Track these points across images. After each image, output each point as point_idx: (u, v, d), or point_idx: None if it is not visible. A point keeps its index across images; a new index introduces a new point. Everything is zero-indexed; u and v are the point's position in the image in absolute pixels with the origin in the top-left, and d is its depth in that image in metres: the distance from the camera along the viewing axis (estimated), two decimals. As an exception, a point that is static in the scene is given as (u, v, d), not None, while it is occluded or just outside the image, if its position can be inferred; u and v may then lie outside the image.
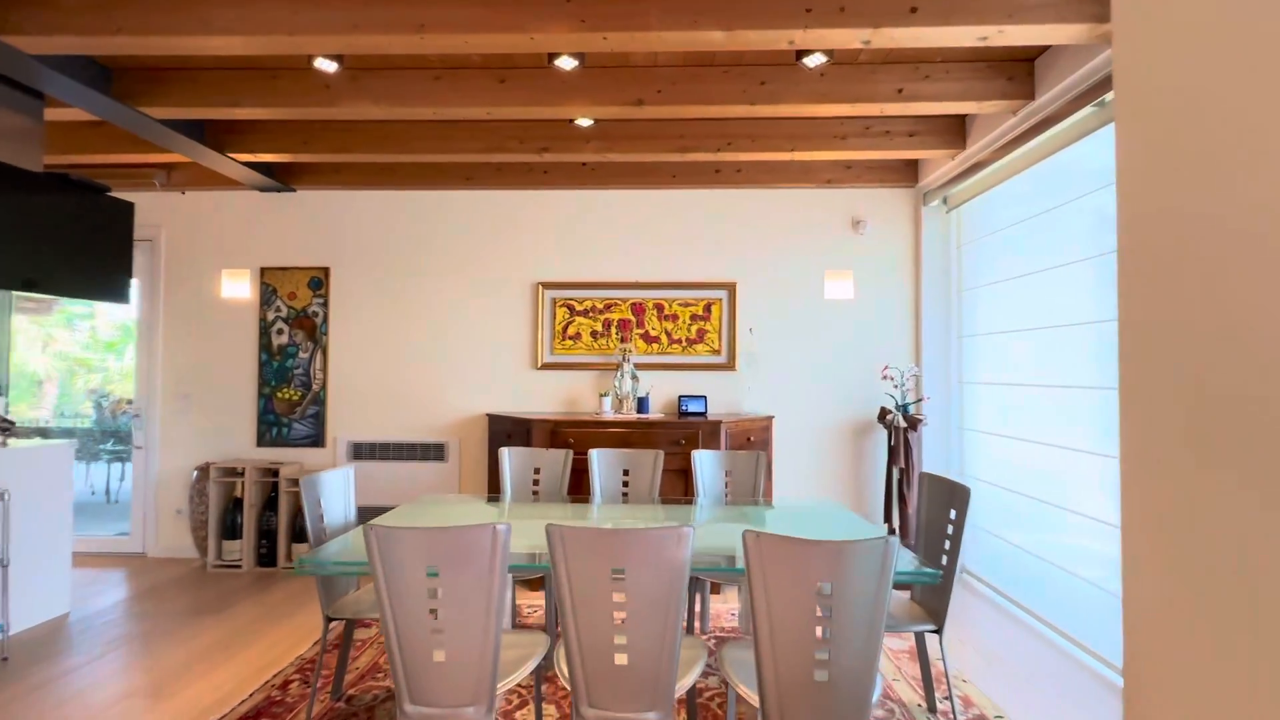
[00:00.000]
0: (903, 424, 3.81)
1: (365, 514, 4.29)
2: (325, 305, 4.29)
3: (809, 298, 4.21)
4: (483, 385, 4.24)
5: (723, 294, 4.20)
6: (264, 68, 3.01)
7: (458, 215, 4.29)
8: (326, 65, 2.69)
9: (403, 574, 1.65)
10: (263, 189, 4.27)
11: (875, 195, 4.21)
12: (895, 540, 1.59)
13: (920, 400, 4.06)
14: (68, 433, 5.86)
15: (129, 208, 3.32)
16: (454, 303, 4.27)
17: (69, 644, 2.93)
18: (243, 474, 4.04)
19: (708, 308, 4.20)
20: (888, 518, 3.92)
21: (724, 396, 4.20)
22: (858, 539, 1.56)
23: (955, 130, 3.57)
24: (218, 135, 3.60)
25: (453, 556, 1.64)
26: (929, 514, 2.36)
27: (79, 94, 2.86)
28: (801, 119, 3.55)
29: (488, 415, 4.10)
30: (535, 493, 3.20)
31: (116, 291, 3.29)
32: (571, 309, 4.22)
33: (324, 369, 4.28)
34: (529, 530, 2.36)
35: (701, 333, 4.20)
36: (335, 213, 4.33)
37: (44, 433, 5.48)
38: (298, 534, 4.07)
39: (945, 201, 4.05)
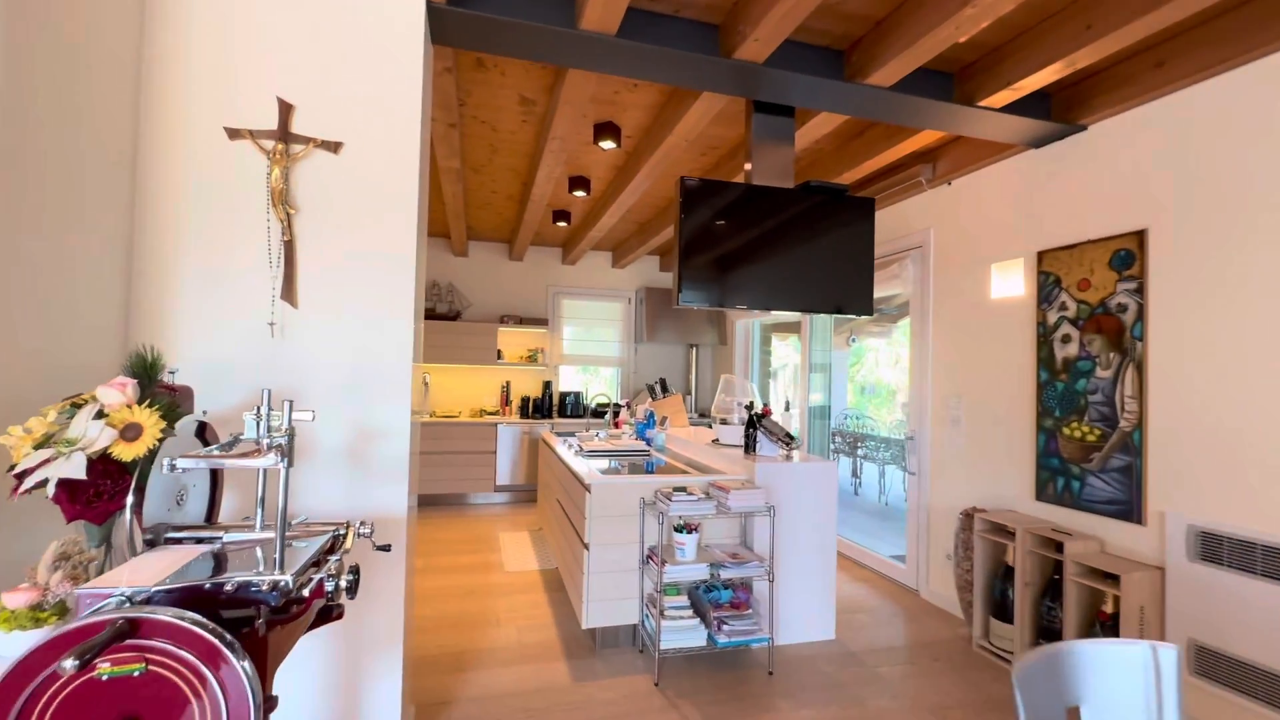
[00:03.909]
0: None
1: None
2: (1140, 293, 2.64)
3: None
4: None
5: None
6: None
7: None
8: None
9: None
10: (1038, 143, 3.08)
11: None
12: None
13: None
14: (884, 441, 6.41)
15: (869, 204, 2.91)
16: None
17: (826, 681, 2.72)
18: (1014, 535, 2.97)
19: None
20: None
21: None
22: None
23: None
24: (964, 84, 2.73)
25: None
26: None
27: (816, 91, 2.63)
28: None
29: None
30: None
31: (865, 301, 2.95)
32: None
33: (1139, 395, 2.63)
34: None
35: None
36: (1152, 140, 2.61)
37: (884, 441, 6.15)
38: (1094, 651, 2.61)
39: None
